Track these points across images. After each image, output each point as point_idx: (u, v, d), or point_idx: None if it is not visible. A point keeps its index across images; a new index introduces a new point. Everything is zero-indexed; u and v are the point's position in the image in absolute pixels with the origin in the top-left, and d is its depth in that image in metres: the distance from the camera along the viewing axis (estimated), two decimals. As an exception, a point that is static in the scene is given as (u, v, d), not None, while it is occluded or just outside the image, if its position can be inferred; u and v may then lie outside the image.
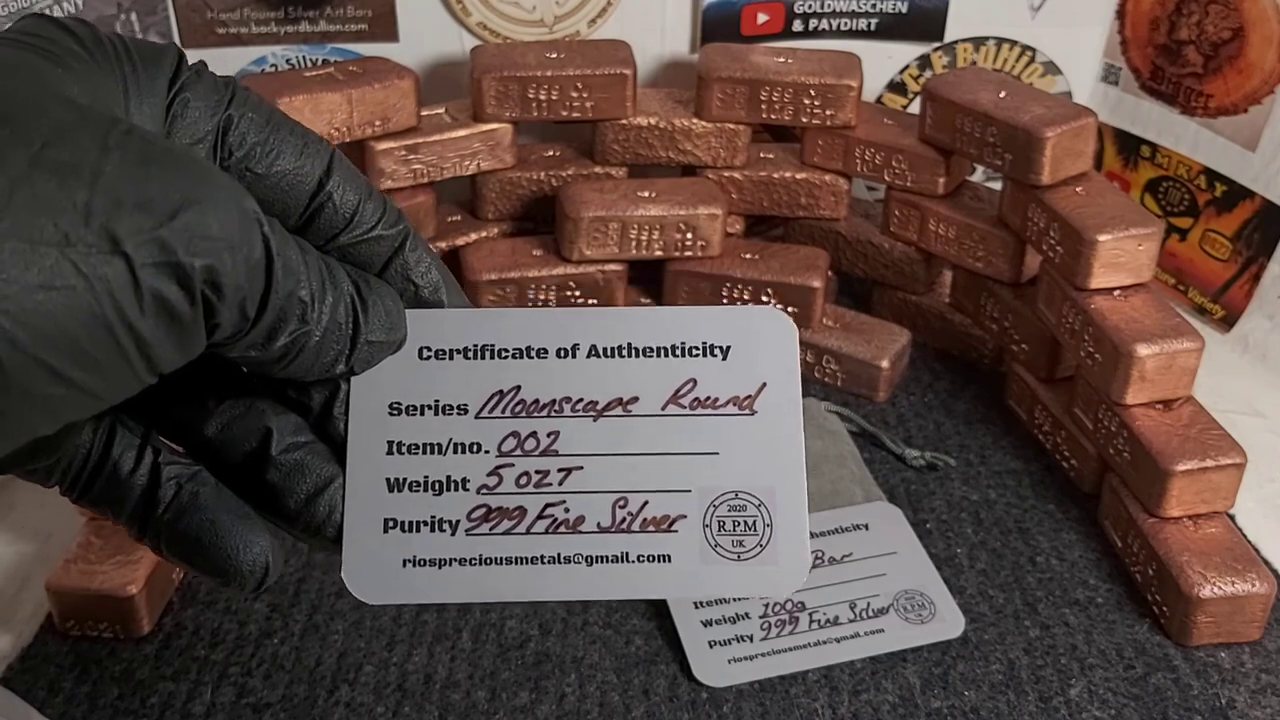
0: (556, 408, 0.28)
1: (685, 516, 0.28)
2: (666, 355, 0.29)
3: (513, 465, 0.28)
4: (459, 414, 0.28)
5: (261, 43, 0.68)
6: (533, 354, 0.28)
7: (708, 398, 0.29)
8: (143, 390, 0.22)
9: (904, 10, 0.72)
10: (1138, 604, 0.49)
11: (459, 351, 0.28)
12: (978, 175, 0.70)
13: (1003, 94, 0.59)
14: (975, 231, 0.61)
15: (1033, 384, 0.59)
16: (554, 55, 0.64)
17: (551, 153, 0.67)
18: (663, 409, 0.29)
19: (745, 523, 0.28)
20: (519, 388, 0.28)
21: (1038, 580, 0.50)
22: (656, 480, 0.28)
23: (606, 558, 0.28)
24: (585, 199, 0.61)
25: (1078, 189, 0.56)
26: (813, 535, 0.49)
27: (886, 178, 0.63)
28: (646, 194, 0.62)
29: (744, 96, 0.64)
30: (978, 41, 0.73)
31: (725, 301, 0.63)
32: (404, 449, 0.28)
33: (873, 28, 0.72)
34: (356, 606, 0.48)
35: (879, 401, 0.62)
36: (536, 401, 0.28)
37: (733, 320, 0.29)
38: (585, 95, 0.63)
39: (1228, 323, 0.68)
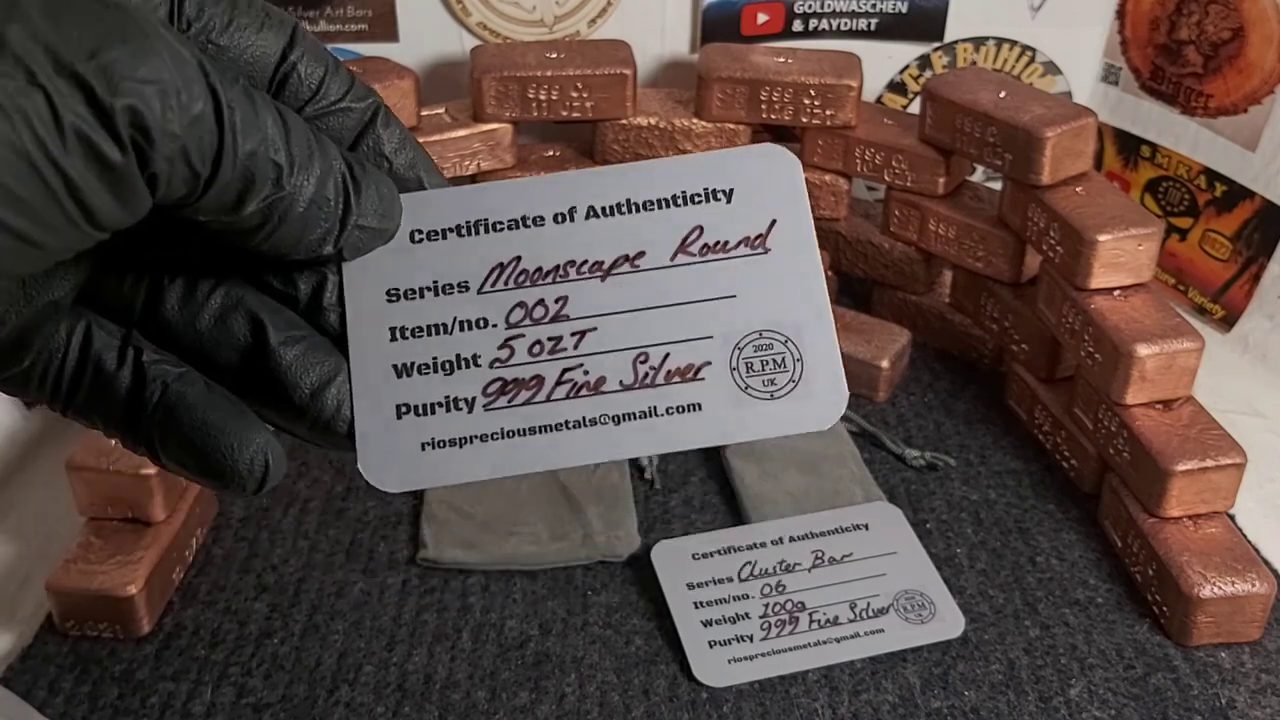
0: (561, 272, 0.27)
1: (710, 363, 0.27)
2: (668, 206, 0.28)
3: (523, 335, 0.27)
4: (460, 291, 0.27)
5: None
6: (529, 222, 0.27)
7: (717, 242, 0.28)
8: (120, 287, 0.22)
9: (904, 10, 0.72)
10: (1138, 604, 0.49)
11: (451, 230, 0.27)
12: (978, 175, 0.70)
13: (1003, 94, 0.59)
14: (975, 231, 0.61)
15: (1033, 384, 0.59)
16: (554, 55, 0.64)
17: (552, 153, 0.67)
18: (672, 259, 0.27)
19: (774, 360, 0.27)
20: (519, 258, 0.27)
21: (1038, 580, 0.50)
22: (675, 331, 0.27)
23: (634, 414, 0.27)
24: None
25: (1078, 189, 0.56)
26: (811, 535, 0.50)
27: (886, 178, 0.63)
28: (646, 194, 0.62)
29: (744, 96, 0.64)
30: (978, 41, 0.73)
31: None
32: (408, 333, 0.27)
33: (873, 28, 0.72)
34: (356, 607, 0.48)
35: (879, 401, 0.62)
36: (539, 269, 0.27)
37: (732, 162, 0.28)
38: (585, 95, 0.63)
39: (1228, 323, 0.68)
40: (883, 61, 0.73)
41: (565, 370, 0.27)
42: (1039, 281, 0.58)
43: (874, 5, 0.72)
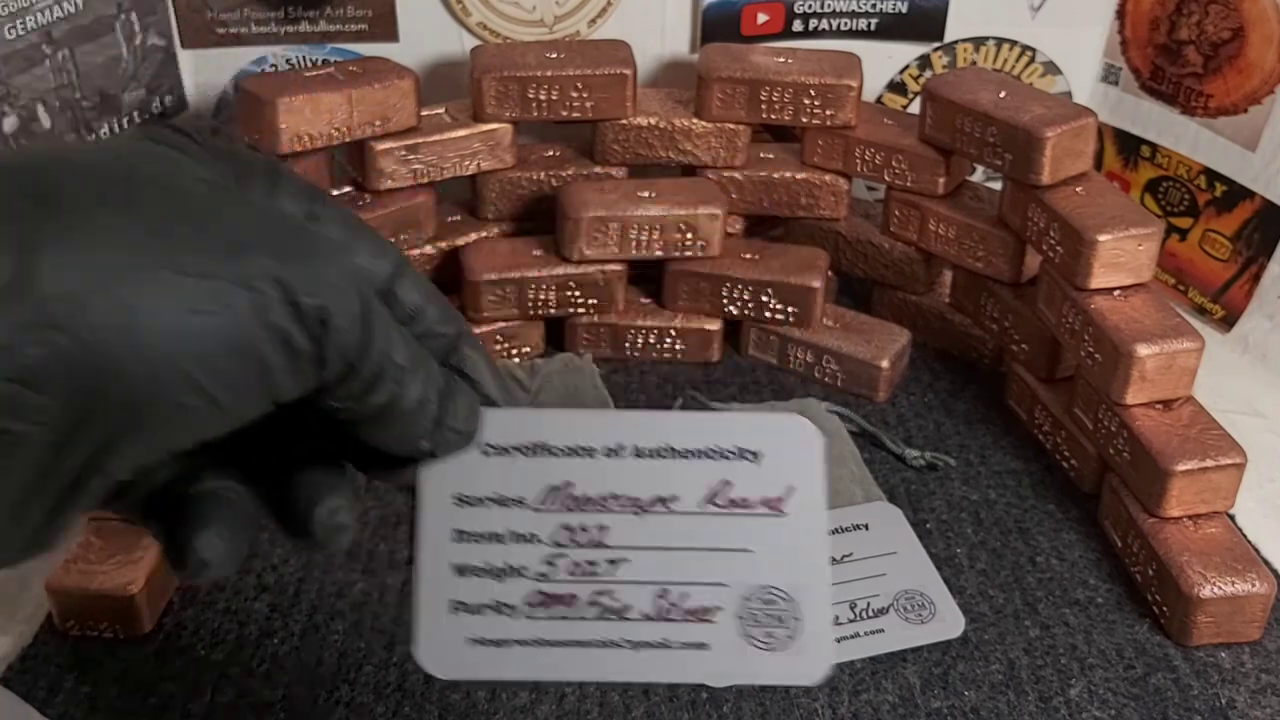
0: (604, 503, 0.31)
1: (722, 609, 0.31)
2: (703, 457, 0.31)
3: (566, 555, 0.31)
4: (517, 506, 0.31)
5: (261, 42, 0.68)
6: (582, 452, 0.31)
7: (741, 498, 0.31)
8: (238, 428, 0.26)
9: (904, 10, 0.72)
10: (1138, 604, 0.49)
11: (517, 448, 0.31)
12: (978, 175, 0.70)
13: (1003, 94, 0.59)
14: (975, 231, 0.61)
15: (1033, 384, 0.59)
16: (554, 55, 0.64)
17: (551, 153, 0.67)
18: (700, 507, 0.31)
19: (777, 616, 0.31)
20: (571, 483, 0.31)
21: (1038, 580, 0.50)
22: (695, 573, 0.31)
23: (650, 643, 0.31)
24: (585, 199, 0.61)
25: (1078, 189, 0.56)
26: None
27: (886, 178, 0.63)
28: (646, 194, 0.62)
29: (744, 96, 0.64)
30: (978, 41, 0.74)
31: (725, 302, 0.63)
32: (469, 537, 0.31)
33: (873, 28, 0.72)
34: (356, 607, 0.48)
35: (879, 401, 0.62)
36: (586, 497, 0.31)
37: (763, 427, 0.32)
38: (585, 95, 0.63)
39: (1228, 323, 0.68)
40: (883, 61, 0.73)
41: (597, 593, 0.31)
42: (1039, 281, 0.58)
43: (874, 5, 0.72)
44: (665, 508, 0.31)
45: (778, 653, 0.31)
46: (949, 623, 0.47)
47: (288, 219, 0.27)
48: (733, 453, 0.32)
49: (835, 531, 0.51)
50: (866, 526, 0.51)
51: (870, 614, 0.47)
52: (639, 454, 0.31)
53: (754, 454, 0.31)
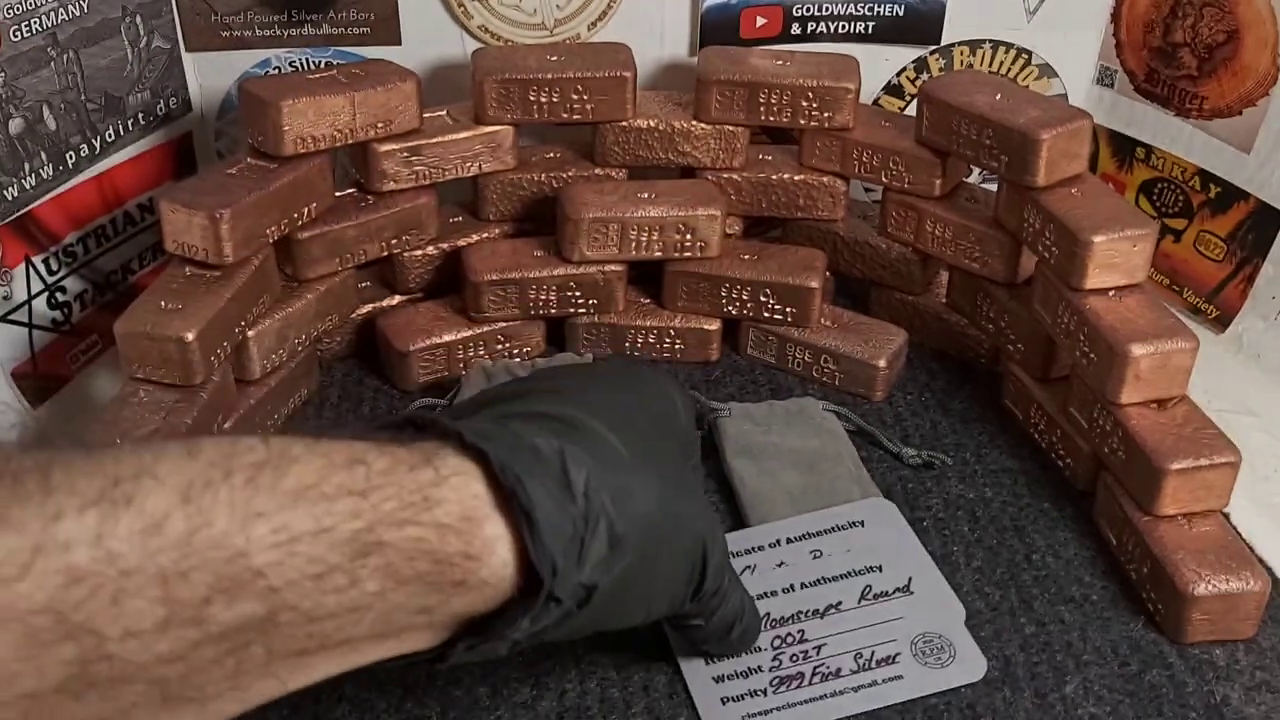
0: (796, 618, 0.48)
1: (900, 653, 0.46)
2: (849, 577, 0.49)
3: (784, 652, 0.46)
4: None
5: (265, 45, 0.68)
6: (768, 595, 0.49)
7: (880, 593, 0.49)
8: None
9: (901, 13, 0.72)
10: (1133, 601, 0.50)
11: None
12: (974, 177, 0.70)
13: (998, 96, 0.59)
14: (971, 232, 0.61)
15: (1028, 383, 0.60)
16: (554, 58, 0.64)
17: (552, 154, 0.68)
18: (858, 604, 0.48)
19: (937, 646, 0.47)
20: (769, 613, 0.48)
21: (1033, 578, 0.51)
22: (873, 639, 0.47)
23: (864, 685, 0.45)
24: (586, 200, 0.62)
25: (1073, 190, 0.56)
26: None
27: (884, 179, 0.64)
28: (646, 195, 0.62)
29: (743, 99, 0.64)
30: (974, 44, 0.74)
31: (724, 302, 0.64)
32: (719, 658, 0.46)
33: (870, 31, 0.73)
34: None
35: (876, 401, 0.62)
36: (783, 617, 0.48)
37: (876, 539, 0.51)
38: (586, 97, 0.64)
39: (1222, 323, 0.68)
40: (880, 64, 0.74)
41: (815, 668, 0.46)
42: (1034, 282, 0.58)
43: (871, 8, 0.72)
44: (836, 610, 0.48)
45: (948, 668, 0.46)
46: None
47: (692, 460, 0.45)
48: (866, 569, 0.49)
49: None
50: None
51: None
52: (804, 585, 0.49)
53: (879, 567, 0.50)
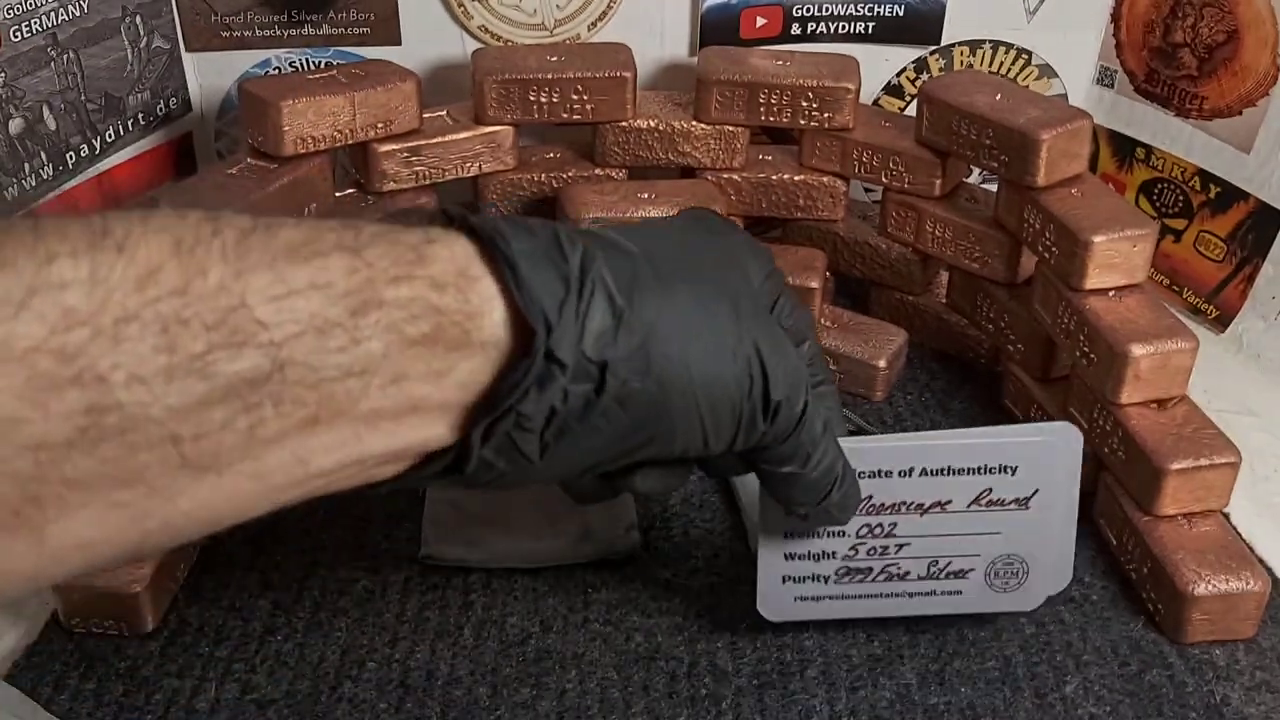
0: (895, 508, 0.43)
1: (974, 570, 0.44)
2: (974, 474, 0.43)
3: (865, 543, 0.44)
4: None
5: (265, 46, 0.68)
6: (882, 474, 0.43)
7: (998, 499, 0.43)
8: None
9: (901, 13, 0.72)
10: (1133, 601, 0.50)
11: None
12: (974, 177, 0.70)
13: (998, 96, 0.59)
14: (971, 232, 0.62)
15: (1028, 384, 0.60)
16: (555, 58, 0.64)
17: (552, 155, 0.68)
18: (967, 507, 0.43)
19: (1011, 572, 0.44)
20: (871, 496, 0.43)
21: (1034, 578, 0.51)
22: (957, 549, 0.44)
23: (922, 593, 0.45)
24: (586, 200, 0.62)
25: (1073, 190, 0.56)
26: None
27: (884, 179, 0.64)
28: (646, 195, 0.62)
29: (743, 99, 0.64)
30: (974, 44, 0.74)
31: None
32: (796, 534, 0.44)
33: (870, 31, 0.73)
34: (359, 603, 0.49)
35: (876, 401, 0.62)
36: (882, 504, 0.43)
37: (1026, 447, 0.43)
38: (586, 98, 0.64)
39: (1222, 323, 0.68)
40: (880, 64, 0.74)
41: (886, 566, 0.44)
42: (1034, 282, 0.58)
43: (871, 8, 0.72)
44: (941, 509, 0.43)
45: (1009, 594, 0.44)
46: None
47: (771, 312, 0.40)
48: (995, 469, 0.43)
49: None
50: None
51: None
52: (924, 473, 0.43)
53: (1013, 469, 0.43)
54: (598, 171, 0.67)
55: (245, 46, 0.68)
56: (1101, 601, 0.50)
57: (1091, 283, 0.53)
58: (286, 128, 0.57)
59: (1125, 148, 0.74)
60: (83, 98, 0.60)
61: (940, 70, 0.74)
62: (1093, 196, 0.56)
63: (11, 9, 0.55)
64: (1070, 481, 0.43)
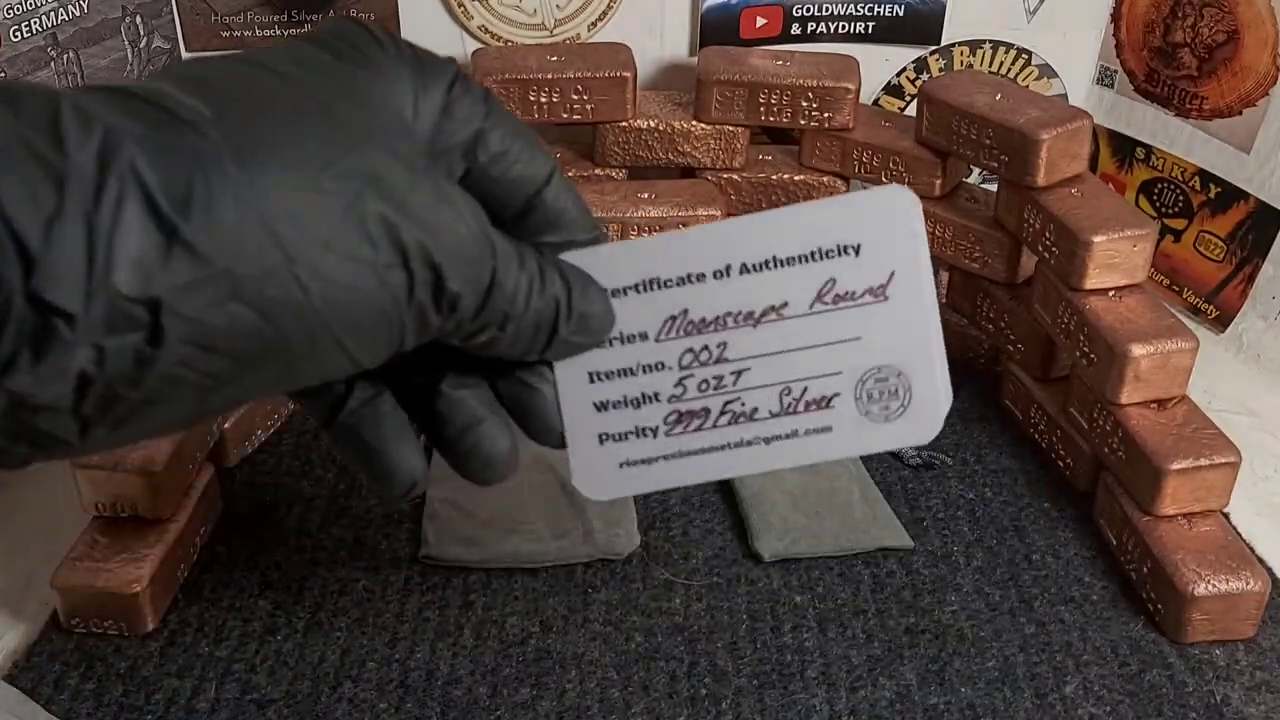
0: (721, 322, 0.33)
1: (839, 394, 0.33)
2: (807, 261, 0.33)
3: (693, 375, 0.33)
4: (641, 341, 0.33)
5: (265, 45, 0.68)
6: (692, 279, 0.33)
7: (847, 292, 0.33)
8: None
9: (901, 14, 0.72)
10: (1133, 601, 0.50)
11: (631, 288, 0.33)
12: (974, 177, 0.70)
13: (998, 97, 0.59)
14: (971, 232, 0.62)
15: (1028, 383, 0.60)
16: (555, 58, 0.64)
17: (552, 154, 0.68)
18: (810, 308, 0.33)
19: (889, 390, 0.34)
20: (686, 310, 0.33)
21: (1033, 578, 0.51)
22: (812, 368, 0.33)
23: (781, 436, 0.34)
24: (586, 200, 0.62)
25: (1073, 190, 0.56)
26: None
27: (883, 179, 0.64)
28: (646, 195, 0.62)
29: (743, 99, 0.64)
30: (974, 45, 0.74)
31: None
32: (603, 377, 0.33)
33: (870, 31, 0.73)
34: (359, 603, 0.49)
35: (876, 401, 0.62)
36: (703, 319, 0.33)
37: (860, 214, 0.33)
38: (586, 98, 0.64)
39: (1222, 323, 0.68)
40: (880, 64, 0.74)
41: (727, 403, 0.33)
42: (1034, 282, 0.58)
43: (871, 8, 0.72)
44: (777, 315, 0.33)
45: (894, 422, 0.34)
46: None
47: (454, 194, 0.28)
48: (834, 251, 0.33)
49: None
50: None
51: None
52: (745, 270, 0.33)
53: (855, 247, 0.33)
54: (598, 171, 0.66)
55: (245, 46, 0.68)
56: (1102, 602, 0.50)
57: (1091, 283, 0.53)
58: (286, 128, 0.57)
59: (1125, 148, 0.74)
60: (83, 98, 0.60)
61: (940, 70, 0.74)
62: (1093, 196, 0.56)
63: (11, 9, 0.55)
64: (920, 256, 0.33)
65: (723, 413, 0.34)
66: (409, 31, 0.69)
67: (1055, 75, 0.75)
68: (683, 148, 0.66)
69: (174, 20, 0.66)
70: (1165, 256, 0.71)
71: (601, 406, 0.34)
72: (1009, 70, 0.75)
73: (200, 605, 0.49)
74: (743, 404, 0.34)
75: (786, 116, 0.64)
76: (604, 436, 0.34)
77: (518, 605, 0.49)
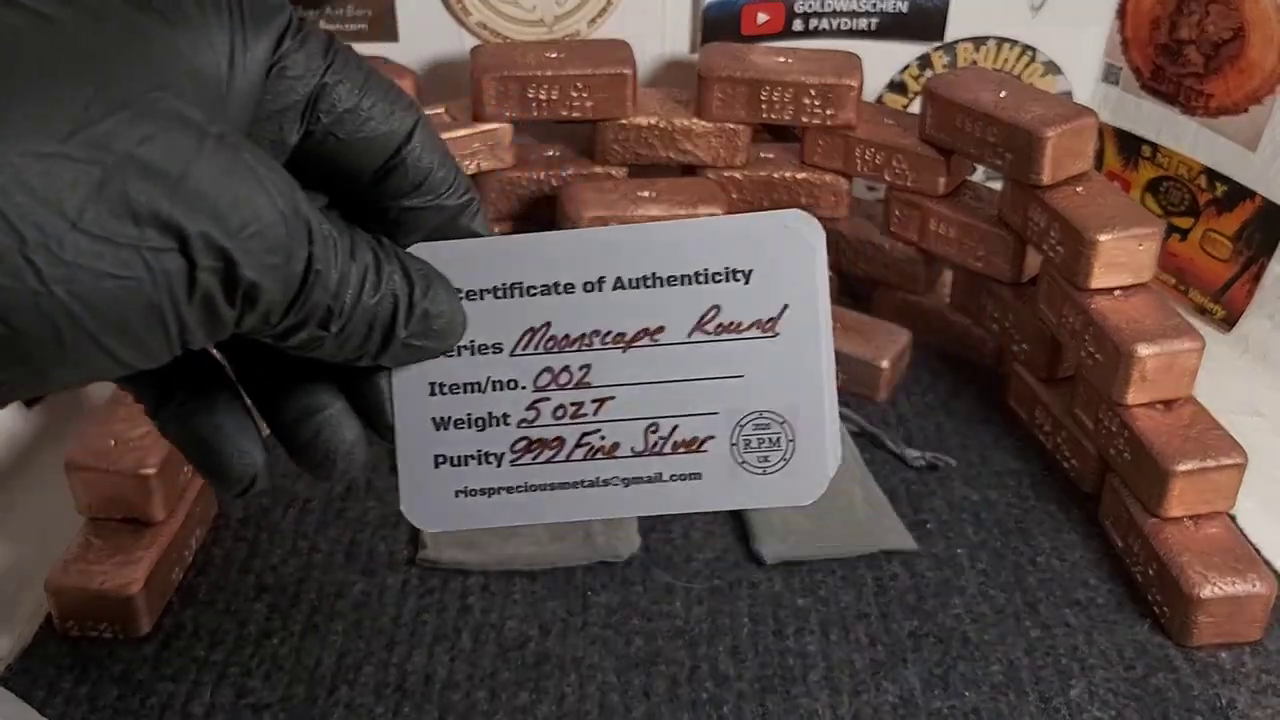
0: (587, 341, 0.30)
1: (714, 437, 0.30)
2: (690, 283, 0.30)
3: (549, 399, 0.30)
4: (495, 352, 0.29)
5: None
6: (560, 289, 0.29)
7: (732, 323, 0.30)
8: None
9: (904, 10, 0.72)
10: (1138, 604, 0.49)
11: (489, 291, 0.29)
12: (978, 175, 0.70)
13: (1003, 94, 0.58)
14: (976, 231, 0.61)
15: (1033, 384, 0.59)
16: (554, 55, 0.64)
17: (552, 153, 0.67)
18: (688, 336, 0.30)
19: (770, 439, 0.30)
20: (549, 324, 0.29)
21: (1038, 580, 0.50)
22: (685, 405, 0.30)
23: (642, 478, 0.30)
24: (585, 199, 0.61)
25: (1078, 189, 0.56)
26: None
27: (887, 177, 0.63)
28: (647, 194, 0.62)
29: (744, 96, 0.64)
30: (978, 41, 0.73)
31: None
32: (446, 389, 0.30)
33: (873, 27, 0.72)
34: (356, 607, 0.48)
35: (879, 401, 0.62)
36: (567, 336, 0.30)
37: (756, 237, 0.30)
38: (585, 95, 0.63)
39: (1228, 323, 0.68)
40: (883, 61, 0.73)
41: (584, 434, 0.30)
42: (1039, 281, 0.58)
43: (874, 5, 0.72)
44: (651, 340, 0.30)
45: (771, 476, 0.30)
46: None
47: (256, 163, 0.23)
48: (721, 274, 0.30)
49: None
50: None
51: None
52: (621, 285, 0.29)
53: (745, 273, 0.30)
54: (597, 169, 0.66)
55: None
56: (1107, 604, 0.49)
57: (1097, 282, 0.53)
58: (283, 125, 0.57)
59: (1131, 145, 0.73)
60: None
61: (944, 67, 0.74)
62: (1098, 195, 0.55)
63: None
64: (819, 289, 0.30)
65: (579, 445, 0.30)
66: (406, 27, 0.69)
67: (1060, 72, 0.75)
68: (683, 145, 0.65)
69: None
70: (1171, 255, 0.71)
71: (442, 424, 0.30)
72: (1013, 67, 0.74)
73: (195, 608, 0.48)
74: (603, 437, 0.30)
75: (789, 114, 0.64)
76: (440, 459, 0.30)
77: (516, 609, 0.48)
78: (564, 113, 0.64)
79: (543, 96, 0.63)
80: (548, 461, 0.30)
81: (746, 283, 0.30)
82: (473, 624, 0.48)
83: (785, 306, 0.30)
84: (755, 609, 0.49)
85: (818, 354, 0.30)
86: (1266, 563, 0.49)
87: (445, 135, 0.62)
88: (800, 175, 0.66)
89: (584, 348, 0.30)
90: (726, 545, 0.52)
